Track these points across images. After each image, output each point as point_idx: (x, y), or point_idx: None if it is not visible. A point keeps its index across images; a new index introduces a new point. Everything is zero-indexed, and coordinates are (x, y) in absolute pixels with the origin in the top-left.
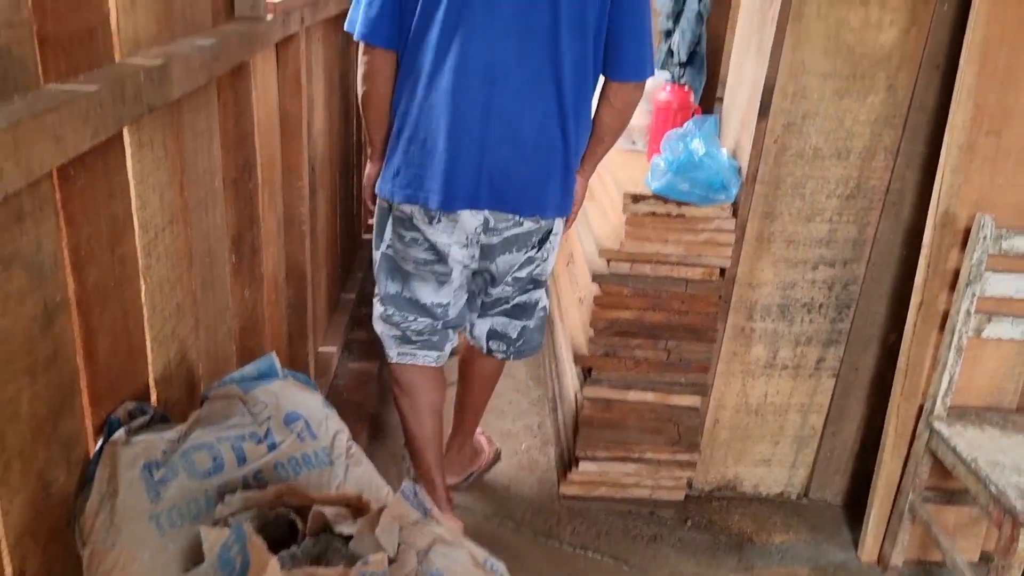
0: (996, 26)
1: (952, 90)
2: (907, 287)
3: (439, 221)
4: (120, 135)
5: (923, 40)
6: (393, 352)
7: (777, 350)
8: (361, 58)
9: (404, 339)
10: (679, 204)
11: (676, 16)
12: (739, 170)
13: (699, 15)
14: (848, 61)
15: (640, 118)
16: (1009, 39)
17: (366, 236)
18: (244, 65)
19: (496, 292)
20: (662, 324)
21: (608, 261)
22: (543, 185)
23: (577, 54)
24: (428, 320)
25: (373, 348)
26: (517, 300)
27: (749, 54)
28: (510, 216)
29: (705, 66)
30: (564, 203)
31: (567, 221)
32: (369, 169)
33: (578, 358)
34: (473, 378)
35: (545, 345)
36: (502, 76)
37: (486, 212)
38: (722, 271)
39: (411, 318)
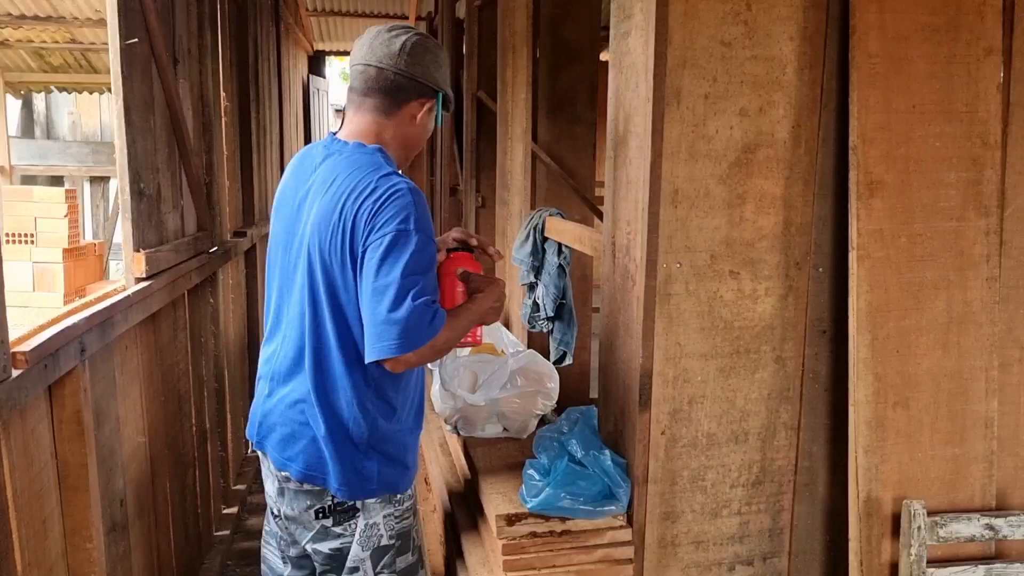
0: (880, 292)
1: (845, 356)
2: (839, 574)
3: None
4: None
5: (803, 307)
6: None
7: None
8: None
9: None
10: (563, 519)
11: (537, 270)
12: (627, 468)
13: (560, 268)
14: (728, 337)
15: (509, 403)
16: (897, 304)
17: (219, 533)
18: None
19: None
20: None
21: None
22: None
23: (332, 332)
24: None
25: None
26: None
27: (617, 335)
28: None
29: (575, 318)
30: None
31: None
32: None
33: None
34: None
35: None
36: None
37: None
38: None
39: None
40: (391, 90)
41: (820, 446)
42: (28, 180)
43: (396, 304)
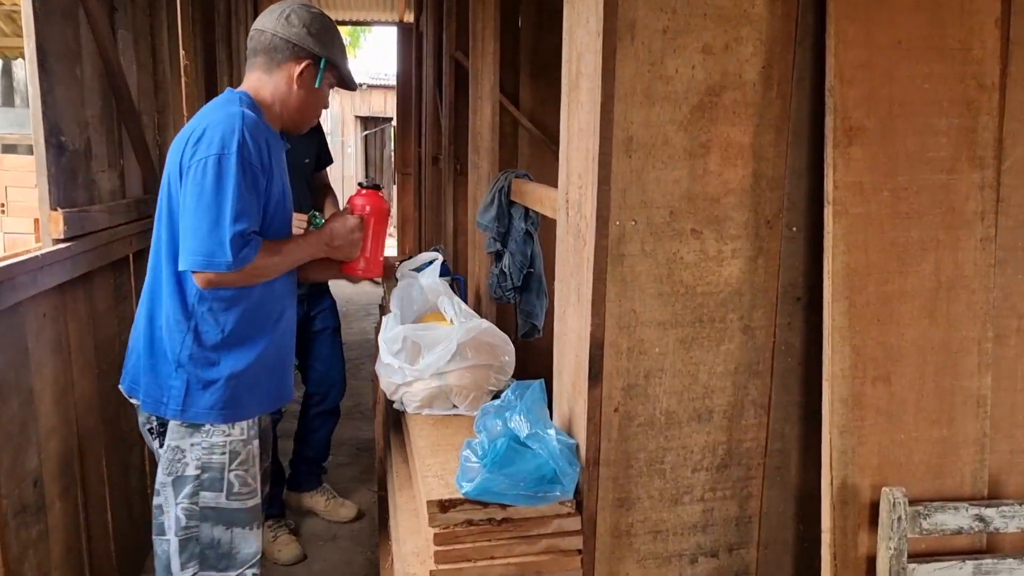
0: (859, 253)
1: (821, 326)
2: (813, 568)
3: None
4: None
5: (775, 271)
6: None
7: None
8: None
9: None
10: (503, 506)
11: (503, 236)
12: (576, 450)
13: (527, 234)
14: (689, 304)
15: (457, 377)
16: (878, 267)
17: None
18: None
19: None
20: None
21: None
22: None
23: (165, 245)
24: None
25: None
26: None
27: (570, 301)
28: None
29: (545, 288)
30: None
31: None
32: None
33: None
34: None
35: None
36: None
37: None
38: None
39: None
40: (269, 50)
41: (793, 426)
42: (8, 149)
43: (214, 226)
